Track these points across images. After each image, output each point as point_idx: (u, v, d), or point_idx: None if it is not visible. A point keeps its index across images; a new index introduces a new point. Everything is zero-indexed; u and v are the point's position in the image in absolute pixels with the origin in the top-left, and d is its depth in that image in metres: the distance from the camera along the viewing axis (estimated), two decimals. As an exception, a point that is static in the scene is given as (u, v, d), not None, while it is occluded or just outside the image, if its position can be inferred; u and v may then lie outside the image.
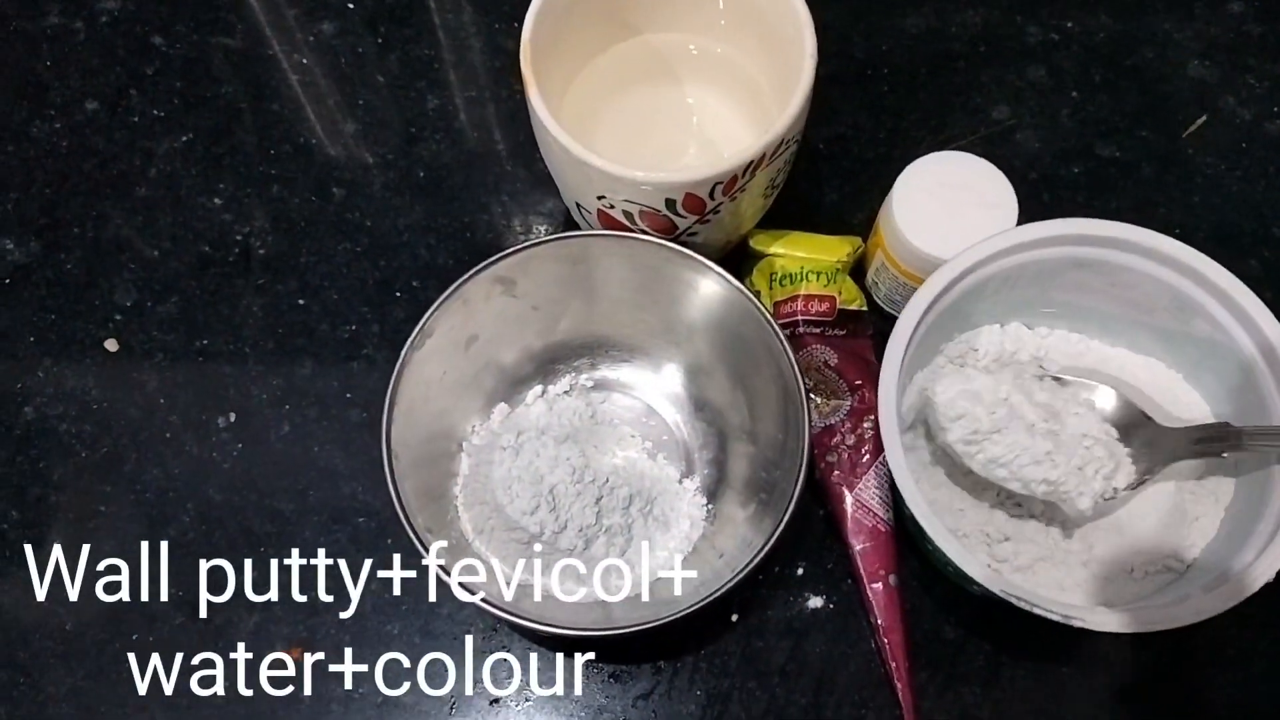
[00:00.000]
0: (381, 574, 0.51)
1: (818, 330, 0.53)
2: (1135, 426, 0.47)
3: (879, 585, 0.49)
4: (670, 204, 0.46)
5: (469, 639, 0.50)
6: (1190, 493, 0.48)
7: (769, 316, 0.47)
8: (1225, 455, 0.46)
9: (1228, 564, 0.43)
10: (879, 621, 0.49)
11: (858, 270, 0.56)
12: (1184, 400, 0.50)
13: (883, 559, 0.50)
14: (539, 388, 0.54)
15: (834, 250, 0.54)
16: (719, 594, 0.44)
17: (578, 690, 0.49)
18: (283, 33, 0.64)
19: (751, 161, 0.45)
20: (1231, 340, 0.46)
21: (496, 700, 0.49)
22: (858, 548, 0.50)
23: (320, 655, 0.50)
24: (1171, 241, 0.47)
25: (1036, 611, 0.41)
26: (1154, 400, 0.50)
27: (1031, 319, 0.51)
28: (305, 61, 0.63)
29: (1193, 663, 0.50)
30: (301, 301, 0.57)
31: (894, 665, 0.48)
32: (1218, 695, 0.49)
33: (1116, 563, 0.46)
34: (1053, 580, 0.46)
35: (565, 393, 0.54)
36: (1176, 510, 0.47)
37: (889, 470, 0.45)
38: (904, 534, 0.50)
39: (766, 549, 0.44)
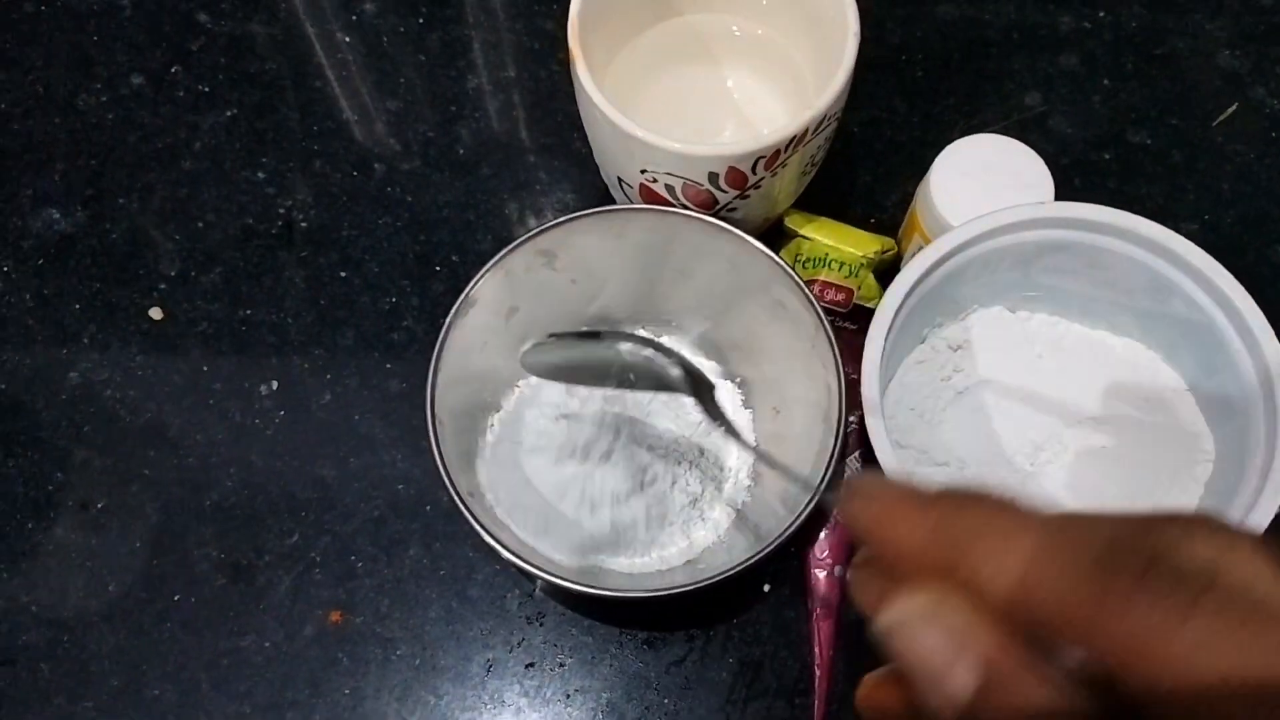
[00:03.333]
0: (420, 540, 0.52)
1: (829, 319, 0.53)
2: None
3: (823, 573, 0.50)
4: (713, 178, 0.47)
5: (505, 604, 0.51)
6: (1166, 470, 0.48)
7: (809, 294, 0.48)
8: None
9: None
10: (815, 608, 0.50)
11: (891, 270, 0.57)
12: (1163, 379, 0.50)
13: (834, 550, 0.51)
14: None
15: (863, 244, 0.55)
16: (750, 564, 0.44)
17: (612, 655, 0.50)
18: (325, 11, 0.65)
19: (794, 136, 0.46)
20: (1208, 319, 0.46)
21: (532, 664, 0.50)
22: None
23: (359, 619, 0.51)
24: (1147, 223, 0.47)
25: None
26: (1134, 381, 0.50)
27: (1014, 303, 0.52)
28: (348, 40, 0.64)
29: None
30: (343, 274, 0.58)
31: (819, 651, 0.50)
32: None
33: None
34: None
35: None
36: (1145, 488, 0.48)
37: (859, 465, 0.49)
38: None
39: (800, 519, 0.45)
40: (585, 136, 0.53)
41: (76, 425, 0.55)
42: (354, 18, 0.64)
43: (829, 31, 0.49)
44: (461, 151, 0.61)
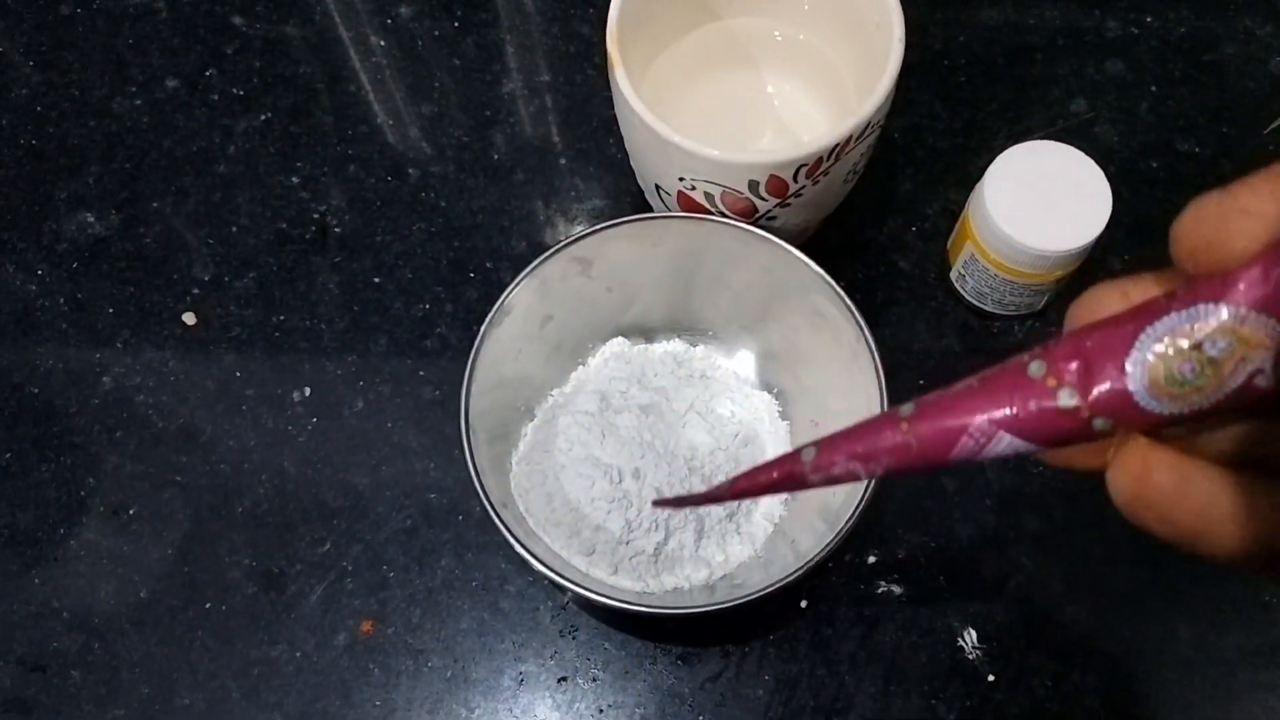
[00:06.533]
0: (452, 550, 0.52)
1: None
2: None
3: None
4: (753, 186, 0.46)
5: (538, 616, 0.51)
6: None
7: (849, 303, 0.47)
8: None
9: None
10: None
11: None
12: None
13: None
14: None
15: None
16: (789, 581, 0.44)
17: (646, 670, 0.50)
18: (360, 15, 0.64)
19: (837, 144, 0.45)
20: None
21: (564, 678, 0.50)
22: None
23: (390, 629, 0.51)
24: None
25: None
26: None
27: None
28: (382, 44, 0.63)
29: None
30: (376, 280, 0.57)
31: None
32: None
33: None
34: None
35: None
36: None
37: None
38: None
39: (840, 537, 0.44)
40: (620, 141, 0.52)
41: (109, 430, 0.55)
42: (389, 21, 0.64)
43: (873, 37, 0.48)
44: (496, 157, 0.60)
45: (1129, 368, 0.20)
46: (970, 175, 0.56)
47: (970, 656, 0.49)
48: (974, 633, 0.50)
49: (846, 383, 0.48)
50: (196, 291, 0.58)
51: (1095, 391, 0.20)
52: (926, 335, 0.55)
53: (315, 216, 0.59)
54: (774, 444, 0.52)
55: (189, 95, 0.63)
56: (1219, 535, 0.20)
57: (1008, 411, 0.21)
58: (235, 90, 0.62)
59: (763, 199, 0.47)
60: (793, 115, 0.54)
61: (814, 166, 0.46)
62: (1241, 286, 0.19)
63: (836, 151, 0.45)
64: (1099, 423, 0.20)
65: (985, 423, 0.21)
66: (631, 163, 0.53)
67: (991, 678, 0.49)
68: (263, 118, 0.62)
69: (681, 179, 0.48)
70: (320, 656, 0.50)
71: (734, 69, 0.55)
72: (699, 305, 0.53)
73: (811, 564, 0.44)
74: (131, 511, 0.53)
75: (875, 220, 0.57)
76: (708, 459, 0.50)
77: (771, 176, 0.46)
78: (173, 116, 0.62)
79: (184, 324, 0.57)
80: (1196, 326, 0.19)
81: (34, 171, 0.61)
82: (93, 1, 0.65)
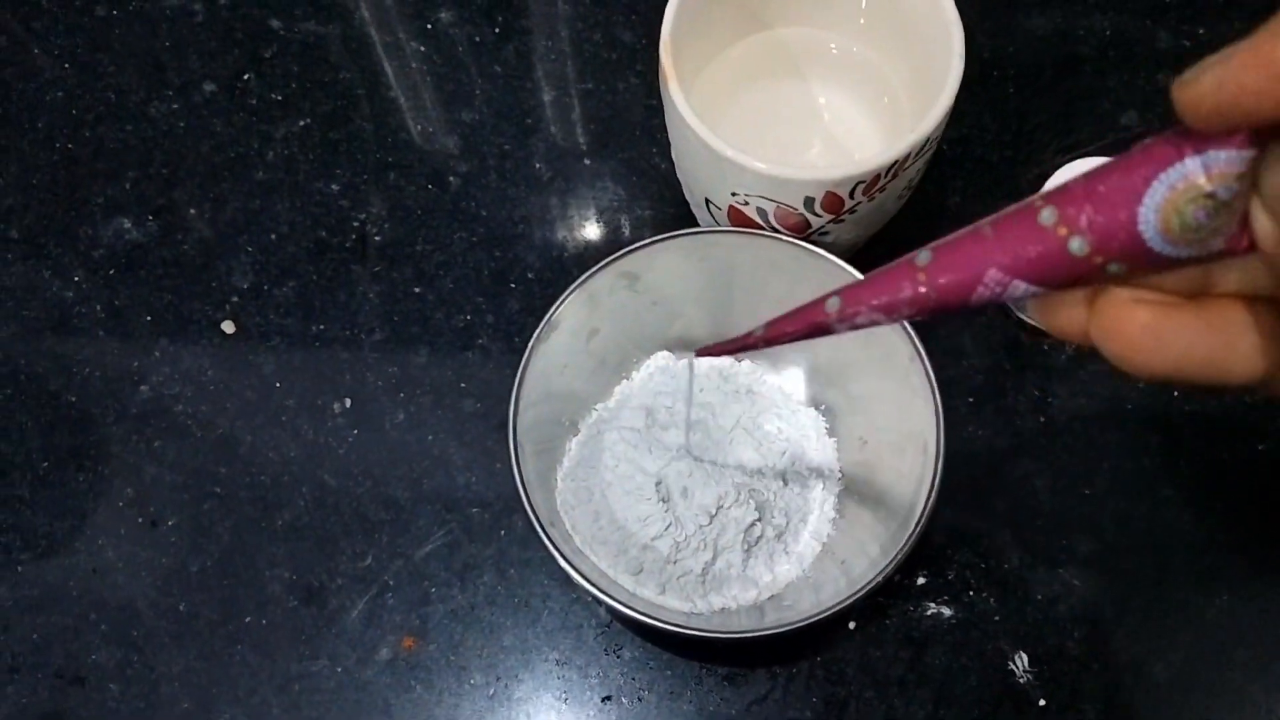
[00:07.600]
0: (494, 566, 0.51)
1: None
2: None
3: None
4: (809, 202, 0.45)
5: (582, 634, 0.50)
6: None
7: (903, 323, 0.46)
8: None
9: None
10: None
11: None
12: None
13: None
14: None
15: None
16: (840, 608, 0.43)
17: (692, 691, 0.49)
18: (400, 20, 0.63)
19: (896, 161, 0.44)
20: None
21: (609, 697, 0.49)
22: None
23: (432, 645, 0.50)
24: None
25: None
26: None
27: None
28: (423, 49, 0.63)
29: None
30: (417, 290, 0.57)
31: None
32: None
33: None
34: None
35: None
36: None
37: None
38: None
39: (895, 562, 0.43)
40: (664, 150, 0.52)
41: (147, 440, 0.54)
42: (429, 26, 0.63)
43: (931, 51, 0.47)
44: (538, 165, 0.60)
45: (1142, 215, 0.20)
46: (1019, 188, 0.56)
47: (1021, 680, 0.49)
48: (1025, 656, 0.49)
49: (896, 400, 0.48)
50: (235, 299, 0.57)
51: (1108, 239, 0.21)
52: (974, 351, 0.54)
53: (355, 225, 0.58)
54: (822, 461, 0.51)
55: (227, 100, 0.62)
56: (1199, 376, 0.22)
57: (1021, 260, 0.22)
58: (274, 95, 0.62)
59: (817, 215, 0.46)
60: (841, 128, 0.54)
61: (871, 183, 0.45)
62: (1251, 130, 0.19)
63: (895, 168, 0.45)
64: (1112, 268, 0.21)
65: (999, 272, 0.23)
66: (679, 174, 0.52)
67: (1043, 702, 0.48)
68: (301, 124, 0.61)
69: (734, 194, 0.47)
70: (362, 672, 0.50)
71: (781, 79, 0.54)
72: (745, 320, 0.52)
73: (865, 590, 0.43)
74: (170, 523, 0.53)
75: (923, 233, 0.56)
76: (755, 476, 0.50)
77: (828, 193, 0.45)
78: (210, 121, 0.61)
79: (223, 332, 0.56)
80: (1209, 173, 0.20)
81: (70, 176, 0.60)
82: (129, 4, 0.65)
